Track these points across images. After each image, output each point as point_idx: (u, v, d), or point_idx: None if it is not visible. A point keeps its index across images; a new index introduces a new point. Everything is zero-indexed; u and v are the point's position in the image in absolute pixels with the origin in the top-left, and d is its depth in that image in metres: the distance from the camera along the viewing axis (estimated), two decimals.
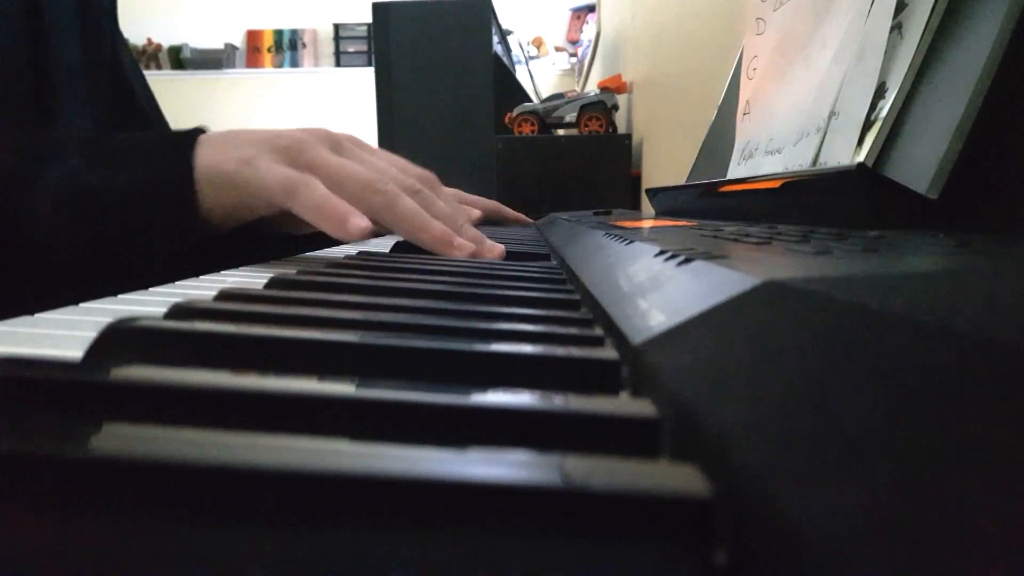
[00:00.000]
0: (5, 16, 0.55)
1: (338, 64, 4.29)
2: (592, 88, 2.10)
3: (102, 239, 0.41)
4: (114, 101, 0.66)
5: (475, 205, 0.83)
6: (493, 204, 0.91)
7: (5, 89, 0.55)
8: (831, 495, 0.07)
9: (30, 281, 0.41)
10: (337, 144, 0.47)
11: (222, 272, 0.37)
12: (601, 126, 1.81)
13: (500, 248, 0.49)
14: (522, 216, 0.96)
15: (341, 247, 0.55)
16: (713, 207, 0.56)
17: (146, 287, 0.28)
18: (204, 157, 0.43)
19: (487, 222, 0.87)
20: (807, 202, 0.39)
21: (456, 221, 0.48)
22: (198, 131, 0.45)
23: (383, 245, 0.59)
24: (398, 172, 0.48)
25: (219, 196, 0.43)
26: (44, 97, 0.58)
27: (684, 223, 0.49)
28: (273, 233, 0.50)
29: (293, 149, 0.44)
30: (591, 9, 3.70)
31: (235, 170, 0.42)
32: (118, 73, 0.68)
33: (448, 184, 0.63)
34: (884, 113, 0.34)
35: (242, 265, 0.40)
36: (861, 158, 0.34)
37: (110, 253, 0.42)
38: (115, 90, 0.67)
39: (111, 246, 0.42)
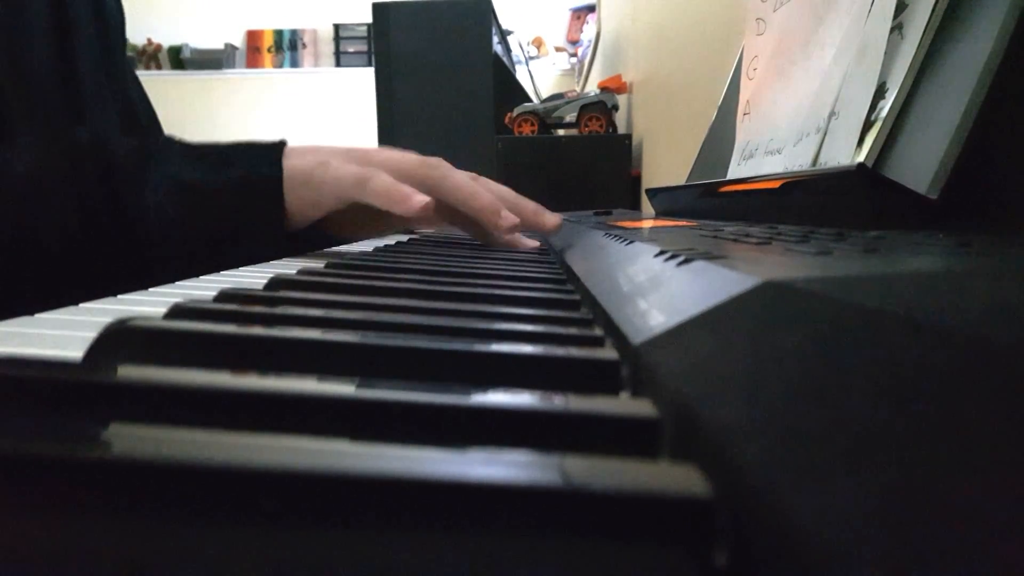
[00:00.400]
0: (37, 32, 0.58)
1: (338, 64, 4.29)
2: (592, 88, 2.10)
3: (203, 232, 0.47)
4: (124, 111, 0.70)
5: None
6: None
7: (41, 99, 0.59)
8: (831, 495, 0.07)
9: (134, 270, 0.46)
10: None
11: (222, 272, 0.37)
12: (601, 126, 1.81)
13: (556, 219, 0.55)
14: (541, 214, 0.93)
15: (341, 247, 0.57)
16: (713, 207, 0.56)
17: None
18: (290, 163, 0.49)
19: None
20: (807, 202, 0.39)
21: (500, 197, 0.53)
22: (283, 142, 0.51)
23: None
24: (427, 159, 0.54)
25: (298, 195, 0.48)
26: (74, 107, 0.62)
27: (684, 223, 0.49)
28: (315, 234, 0.54)
29: (358, 153, 0.50)
30: (591, 9, 3.70)
31: (312, 169, 0.48)
32: (125, 85, 0.71)
33: None
34: (884, 113, 0.34)
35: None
36: (861, 158, 0.34)
37: (210, 245, 0.47)
38: (125, 101, 0.70)
39: (211, 238, 0.47)
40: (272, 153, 0.49)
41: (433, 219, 0.55)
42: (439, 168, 0.51)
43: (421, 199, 0.46)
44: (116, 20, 0.70)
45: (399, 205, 0.46)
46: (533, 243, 0.56)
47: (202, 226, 0.47)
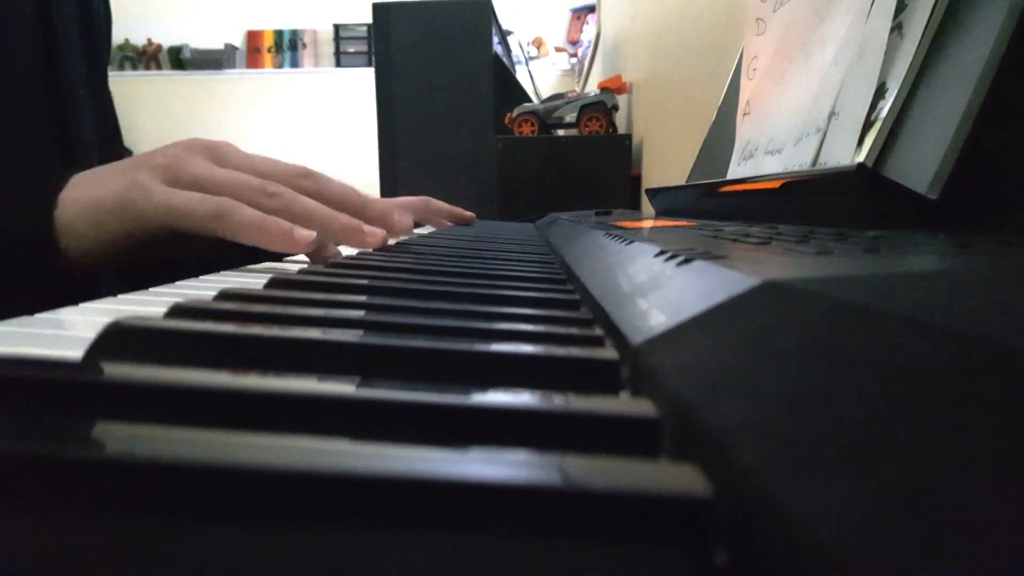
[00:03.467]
0: (21, 40, 0.57)
1: (338, 64, 4.29)
2: (592, 88, 2.10)
3: None
4: (103, 122, 0.68)
5: (399, 206, 0.79)
6: (420, 201, 0.86)
7: (26, 109, 0.56)
8: (831, 495, 0.07)
9: None
10: (216, 153, 0.46)
11: (222, 272, 0.37)
12: (601, 126, 1.81)
13: (406, 222, 0.49)
14: (459, 211, 0.87)
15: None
16: (713, 207, 0.56)
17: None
18: (78, 193, 0.41)
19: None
20: (807, 202, 0.39)
21: (357, 205, 0.48)
22: (70, 172, 0.43)
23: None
24: (282, 172, 0.47)
25: (100, 229, 0.40)
26: (59, 117, 0.59)
27: (684, 223, 0.49)
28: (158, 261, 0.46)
29: (172, 167, 0.42)
30: (591, 9, 3.70)
31: (120, 197, 0.40)
32: (107, 95, 0.71)
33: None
34: (884, 113, 0.34)
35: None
36: (861, 158, 0.34)
37: None
38: (105, 111, 0.69)
39: None
40: (44, 191, 0.41)
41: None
42: (281, 197, 0.42)
43: (303, 234, 0.39)
44: (103, 30, 0.69)
45: (277, 243, 0.39)
46: (404, 221, 0.50)
47: None
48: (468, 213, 0.88)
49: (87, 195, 0.41)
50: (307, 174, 0.48)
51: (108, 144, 0.68)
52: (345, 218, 0.44)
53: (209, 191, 0.41)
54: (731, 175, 0.57)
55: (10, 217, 0.40)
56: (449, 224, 0.88)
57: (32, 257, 0.40)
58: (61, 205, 0.40)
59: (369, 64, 3.94)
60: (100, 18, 0.68)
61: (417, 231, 0.75)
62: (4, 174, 0.46)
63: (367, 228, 0.45)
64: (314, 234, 0.40)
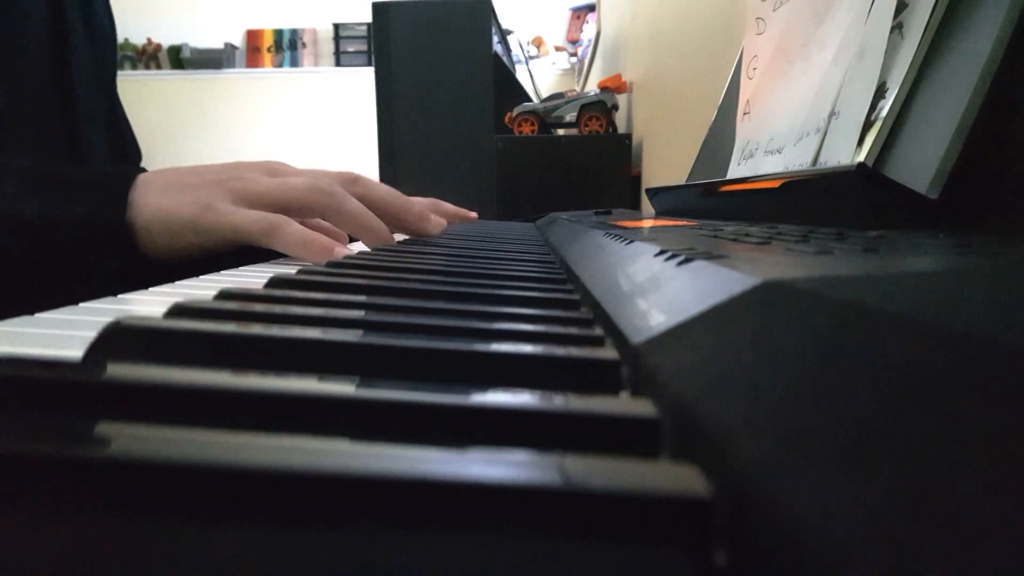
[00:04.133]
0: (35, 50, 0.59)
1: (338, 64, 4.29)
2: (592, 88, 2.10)
3: (41, 268, 0.43)
4: (113, 131, 0.71)
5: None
6: (428, 203, 0.92)
7: (37, 119, 0.59)
8: (831, 495, 0.07)
9: None
10: (271, 169, 0.51)
11: (222, 272, 0.37)
12: (601, 126, 1.81)
13: (442, 223, 0.58)
14: (464, 211, 0.95)
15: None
16: (713, 207, 0.56)
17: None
18: (155, 203, 0.45)
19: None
20: (807, 202, 0.39)
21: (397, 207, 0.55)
22: (135, 170, 0.47)
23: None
24: (332, 178, 0.52)
25: (174, 239, 0.45)
26: (69, 126, 0.61)
27: (684, 223, 0.49)
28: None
29: (239, 187, 0.47)
30: (591, 9, 3.70)
31: (195, 215, 0.45)
32: (115, 103, 0.73)
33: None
34: (884, 113, 0.34)
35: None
36: (861, 158, 0.34)
37: (51, 281, 0.43)
38: (114, 120, 0.71)
39: (51, 275, 0.43)
40: (117, 189, 0.45)
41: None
42: (333, 196, 0.49)
43: (341, 253, 0.44)
44: (109, 39, 0.71)
45: (318, 257, 0.44)
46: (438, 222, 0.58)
47: (38, 262, 0.43)
48: (472, 214, 0.89)
49: (160, 205, 0.45)
50: (354, 179, 0.54)
51: (120, 157, 0.69)
52: (382, 229, 0.52)
53: (273, 203, 0.47)
54: (731, 175, 0.57)
55: (88, 213, 0.44)
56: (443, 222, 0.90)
57: (111, 252, 0.44)
58: (136, 208, 0.45)
59: (369, 64, 3.94)
60: (105, 31, 0.69)
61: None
62: (75, 170, 0.49)
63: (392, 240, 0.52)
64: (347, 251, 0.44)
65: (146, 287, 0.30)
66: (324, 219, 0.50)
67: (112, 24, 0.72)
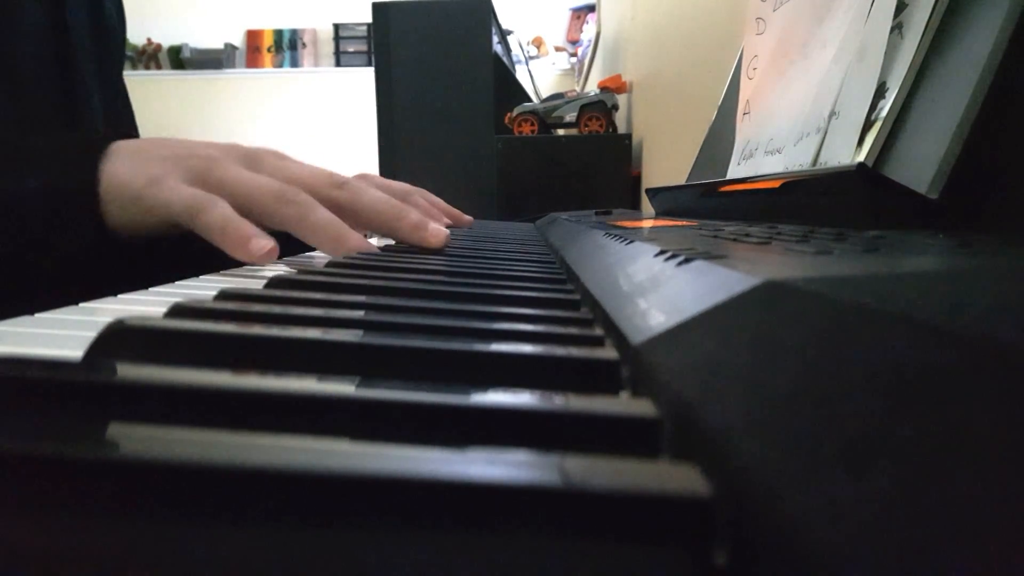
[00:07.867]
0: (30, 37, 0.57)
1: (338, 64, 4.29)
2: (592, 88, 2.10)
3: (3, 241, 0.40)
4: (115, 121, 0.69)
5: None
6: (418, 191, 0.87)
7: (34, 104, 0.57)
8: (831, 495, 0.07)
9: None
10: (253, 159, 0.47)
11: (222, 272, 0.37)
12: (601, 126, 1.81)
13: (441, 236, 0.49)
14: (458, 213, 0.88)
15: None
16: (713, 207, 0.56)
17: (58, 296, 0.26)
18: (112, 170, 0.42)
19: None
20: (807, 202, 0.39)
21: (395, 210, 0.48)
22: (109, 139, 0.44)
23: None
24: (315, 180, 0.47)
25: (123, 212, 0.42)
26: (69, 113, 0.60)
27: (684, 223, 0.49)
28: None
29: (202, 168, 0.43)
30: (591, 9, 3.70)
31: (141, 188, 0.42)
32: (119, 94, 0.71)
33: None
34: (884, 113, 0.34)
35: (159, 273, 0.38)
36: (861, 158, 0.34)
37: (14, 255, 0.41)
38: (116, 110, 0.70)
39: (13, 249, 0.41)
40: (88, 158, 0.42)
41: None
42: (298, 207, 0.43)
43: (259, 245, 0.39)
44: (117, 35, 0.70)
45: (232, 246, 0.40)
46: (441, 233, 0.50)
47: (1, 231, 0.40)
48: (466, 217, 0.87)
49: (116, 172, 0.42)
50: (342, 184, 0.48)
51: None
52: (355, 241, 0.44)
53: (231, 195, 0.42)
54: (731, 175, 0.57)
55: (56, 177, 0.41)
56: (447, 221, 0.88)
57: (80, 220, 0.41)
58: (103, 176, 0.42)
59: (369, 64, 3.94)
60: (114, 27, 0.68)
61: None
62: (49, 137, 0.46)
63: (432, 228, 0.47)
64: (269, 247, 0.40)
65: (116, 271, 0.27)
66: (286, 230, 0.44)
67: (122, 19, 0.71)
